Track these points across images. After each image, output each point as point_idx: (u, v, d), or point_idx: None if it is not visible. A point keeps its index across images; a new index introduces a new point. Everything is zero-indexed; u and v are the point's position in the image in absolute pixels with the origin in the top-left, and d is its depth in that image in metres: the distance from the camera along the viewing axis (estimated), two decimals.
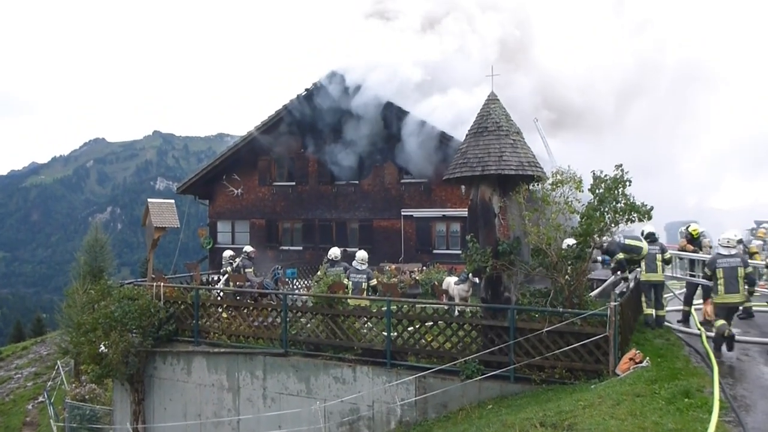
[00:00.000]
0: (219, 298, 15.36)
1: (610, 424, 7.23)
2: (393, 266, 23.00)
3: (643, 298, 13.19)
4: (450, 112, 23.42)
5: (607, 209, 10.78)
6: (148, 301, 14.72)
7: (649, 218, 10.80)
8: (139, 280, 18.75)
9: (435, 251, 25.63)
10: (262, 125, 28.82)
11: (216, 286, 18.15)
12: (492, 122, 11.74)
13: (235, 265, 18.13)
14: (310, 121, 27.31)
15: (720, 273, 10.79)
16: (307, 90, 26.99)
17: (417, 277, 20.69)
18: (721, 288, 10.76)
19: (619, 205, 10.75)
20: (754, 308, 14.26)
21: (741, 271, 10.74)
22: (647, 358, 9.89)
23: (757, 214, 34.70)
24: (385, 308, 12.14)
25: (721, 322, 10.63)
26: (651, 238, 13.12)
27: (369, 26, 27.71)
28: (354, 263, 14.31)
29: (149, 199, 17.11)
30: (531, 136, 20.75)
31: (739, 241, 12.17)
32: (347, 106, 24.88)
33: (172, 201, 17.14)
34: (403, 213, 26.48)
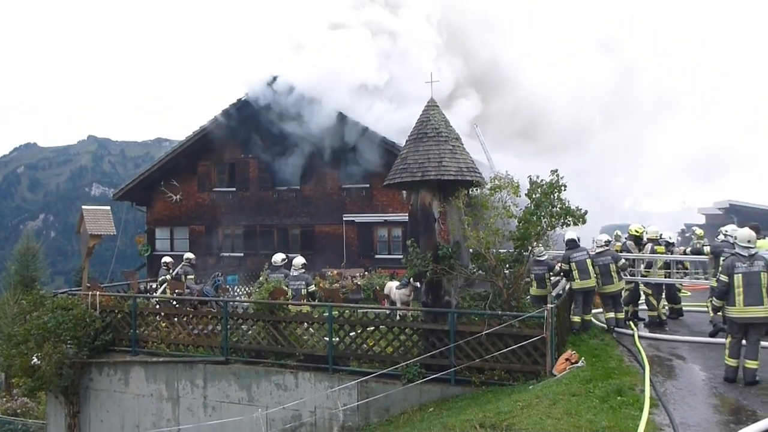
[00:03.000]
0: (157, 306, 15.04)
1: (547, 424, 7.41)
2: (335, 271, 22.98)
3: (572, 306, 13.00)
4: (394, 119, 23.67)
5: (543, 213, 11.06)
6: (83, 310, 14.31)
7: (584, 222, 11.12)
8: (73, 289, 18.18)
9: (377, 256, 25.76)
10: (201, 130, 28.39)
11: (155, 294, 17.77)
12: (432, 128, 11.91)
13: (174, 272, 17.78)
14: (250, 126, 27.10)
15: (573, 266, 12.61)
16: (247, 95, 26.76)
17: (359, 282, 20.73)
18: (576, 276, 12.59)
19: (555, 209, 11.04)
20: (684, 308, 14.79)
21: (613, 266, 12.70)
22: (582, 358, 10.17)
23: (686, 217, 36.19)
24: (327, 314, 12.14)
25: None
26: (570, 245, 12.90)
27: (314, 32, 27.73)
28: (291, 270, 14.24)
29: (84, 206, 16.59)
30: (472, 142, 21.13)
31: (608, 242, 13.31)
32: (289, 111, 24.78)
33: (108, 207, 16.70)
34: (344, 218, 26.53)
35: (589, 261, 12.67)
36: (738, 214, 30.17)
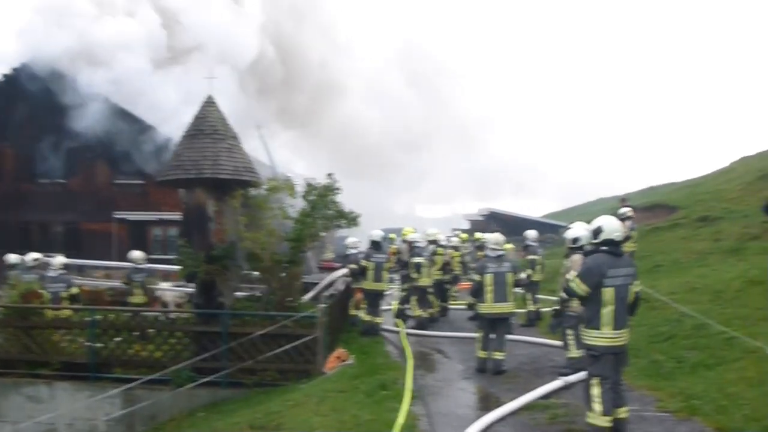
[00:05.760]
0: None
1: (314, 421, 7.57)
2: (102, 272, 21.48)
3: (363, 307, 13.20)
4: (169, 113, 22.71)
5: (318, 215, 11.28)
6: None
7: (356, 225, 11.53)
8: None
9: (151, 256, 24.46)
10: None
11: None
12: (208, 126, 11.60)
13: None
14: (5, 110, 24.41)
15: (371, 266, 12.63)
16: (5, 76, 24.13)
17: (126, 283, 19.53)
18: (370, 276, 12.67)
19: (329, 212, 11.32)
20: (450, 307, 15.84)
21: (386, 265, 13.02)
22: (352, 355, 10.53)
23: (454, 222, 39.14)
24: (89, 318, 11.30)
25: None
26: (374, 246, 12.99)
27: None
28: (49, 270, 13.05)
29: None
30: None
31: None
32: (56, 97, 22.74)
33: None
34: (116, 216, 24.93)
35: (386, 264, 12.97)
36: (497, 220, 33.22)
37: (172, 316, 12.93)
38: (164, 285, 15.60)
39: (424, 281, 13.61)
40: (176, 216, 23.42)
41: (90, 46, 23.25)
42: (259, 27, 27.98)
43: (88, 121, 22.94)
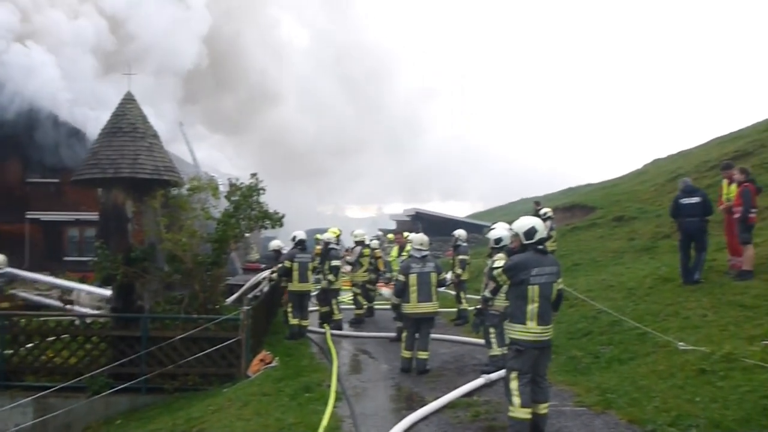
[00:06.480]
0: None
1: (237, 426, 7.45)
2: None
3: (290, 309, 12.80)
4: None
5: (242, 216, 11.11)
6: None
7: (281, 225, 11.42)
8: None
9: (66, 258, 23.61)
10: None
11: None
12: (127, 123, 11.25)
13: None
14: None
15: (296, 266, 12.23)
16: None
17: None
18: (295, 277, 12.29)
19: (254, 212, 11.16)
20: (375, 307, 15.82)
21: (310, 266, 12.56)
22: (277, 358, 10.41)
23: (380, 223, 39.39)
24: None
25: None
26: (300, 245, 12.57)
27: None
28: None
29: None
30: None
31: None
32: None
33: None
34: (28, 216, 23.82)
35: (310, 265, 12.65)
36: (422, 220, 33.49)
37: (88, 320, 12.46)
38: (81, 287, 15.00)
39: (340, 283, 13.48)
40: (94, 216, 22.68)
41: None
42: (198, 34, 27.44)
43: None
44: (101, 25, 25.60)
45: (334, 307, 13.31)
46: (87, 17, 25.38)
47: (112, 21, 25.69)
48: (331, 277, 13.07)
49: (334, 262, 13.12)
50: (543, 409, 6.19)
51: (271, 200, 11.96)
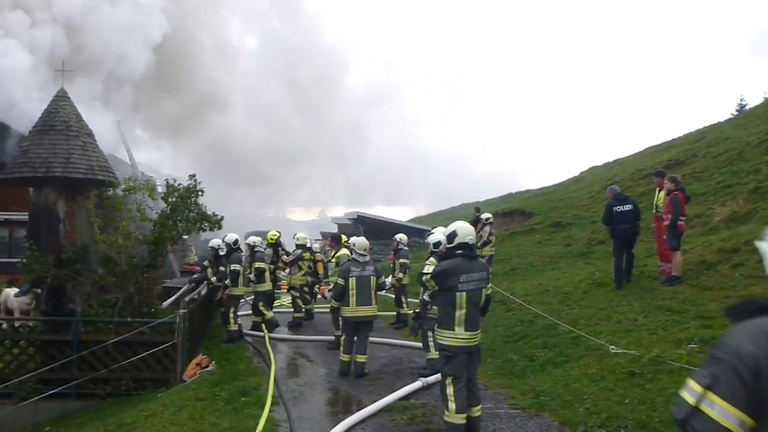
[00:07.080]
0: None
1: (170, 431, 7.30)
2: None
3: (231, 314, 12.45)
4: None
5: (180, 218, 10.91)
6: None
7: (220, 227, 11.26)
8: None
9: None
10: None
11: None
12: (60, 121, 10.92)
13: None
14: None
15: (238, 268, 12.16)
16: None
17: None
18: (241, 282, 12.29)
19: (191, 214, 10.97)
20: (315, 310, 15.72)
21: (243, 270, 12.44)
22: (213, 362, 10.25)
23: (322, 226, 39.30)
24: None
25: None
26: (233, 246, 12.26)
27: None
28: None
29: None
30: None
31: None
32: None
33: None
34: None
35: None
36: (363, 223, 33.52)
37: (16, 324, 12.02)
38: (10, 290, 14.40)
39: (265, 287, 13.32)
40: (24, 216, 21.87)
41: None
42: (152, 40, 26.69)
43: None
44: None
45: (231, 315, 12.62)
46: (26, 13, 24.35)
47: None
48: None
49: (258, 265, 12.70)
50: (476, 412, 6.27)
51: (212, 203, 11.81)
